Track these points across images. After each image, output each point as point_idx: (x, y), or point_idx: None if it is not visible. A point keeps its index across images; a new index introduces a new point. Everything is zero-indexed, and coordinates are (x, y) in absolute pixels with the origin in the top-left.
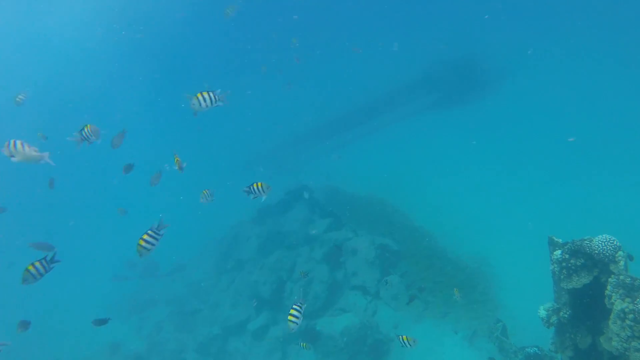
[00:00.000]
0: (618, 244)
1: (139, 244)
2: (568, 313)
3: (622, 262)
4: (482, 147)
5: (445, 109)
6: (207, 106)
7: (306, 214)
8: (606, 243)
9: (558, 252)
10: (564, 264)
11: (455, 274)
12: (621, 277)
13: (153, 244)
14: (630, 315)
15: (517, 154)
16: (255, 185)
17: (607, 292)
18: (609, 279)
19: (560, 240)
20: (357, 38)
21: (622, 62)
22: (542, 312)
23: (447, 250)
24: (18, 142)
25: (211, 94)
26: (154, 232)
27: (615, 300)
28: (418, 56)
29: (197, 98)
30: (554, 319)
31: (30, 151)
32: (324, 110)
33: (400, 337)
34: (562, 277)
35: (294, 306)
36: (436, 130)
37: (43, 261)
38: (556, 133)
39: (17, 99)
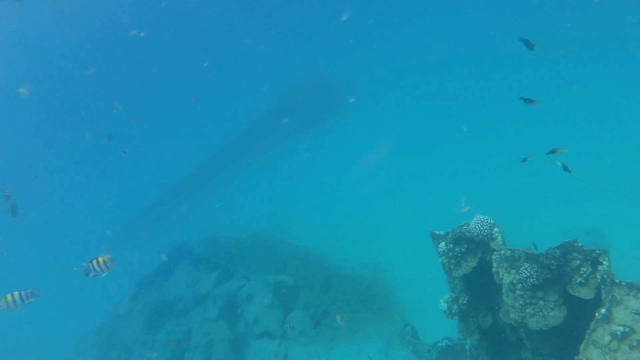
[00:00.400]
0: (492, 221)
1: None
2: (466, 299)
3: (499, 238)
4: (348, 161)
5: (305, 132)
6: (15, 307)
7: (191, 273)
8: (482, 223)
9: (442, 244)
10: (450, 254)
11: (354, 288)
12: (502, 251)
13: None
14: (519, 285)
15: (382, 162)
16: (94, 261)
17: (493, 269)
18: (493, 257)
19: (441, 232)
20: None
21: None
22: (442, 305)
23: (341, 267)
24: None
25: (15, 295)
26: None
27: (503, 275)
28: (272, 87)
29: (5, 300)
30: (455, 308)
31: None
32: (183, 164)
33: None
34: (451, 267)
35: None
36: (301, 153)
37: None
38: (415, 138)
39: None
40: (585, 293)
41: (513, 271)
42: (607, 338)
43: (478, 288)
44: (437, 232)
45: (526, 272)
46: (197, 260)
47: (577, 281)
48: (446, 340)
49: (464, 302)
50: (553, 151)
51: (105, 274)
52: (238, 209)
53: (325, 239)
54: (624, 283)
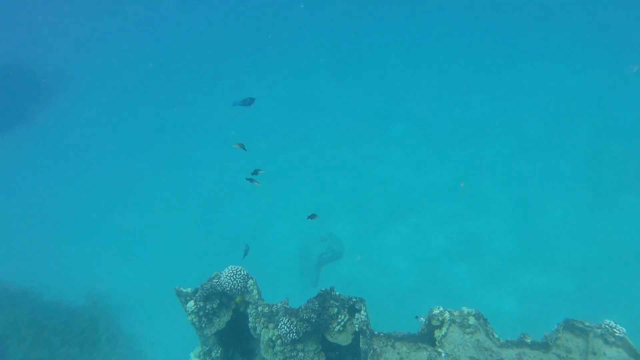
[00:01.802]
0: (245, 272)
1: None
2: (219, 351)
3: (254, 291)
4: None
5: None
6: None
7: None
8: (234, 276)
9: (191, 304)
10: (200, 313)
11: (72, 325)
12: (259, 307)
13: None
14: (278, 341)
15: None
16: None
17: (250, 324)
18: (248, 310)
19: (189, 290)
20: None
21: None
22: (193, 359)
23: (58, 303)
24: None
25: None
26: None
27: (261, 331)
28: None
29: None
30: None
31: None
32: None
33: None
34: (203, 325)
35: None
36: None
37: None
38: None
39: None
40: (343, 339)
41: (271, 325)
42: None
43: (233, 338)
44: (184, 290)
45: (285, 327)
46: None
47: (335, 329)
48: None
49: (218, 354)
50: (255, 172)
51: None
52: None
53: (33, 270)
54: (381, 334)
